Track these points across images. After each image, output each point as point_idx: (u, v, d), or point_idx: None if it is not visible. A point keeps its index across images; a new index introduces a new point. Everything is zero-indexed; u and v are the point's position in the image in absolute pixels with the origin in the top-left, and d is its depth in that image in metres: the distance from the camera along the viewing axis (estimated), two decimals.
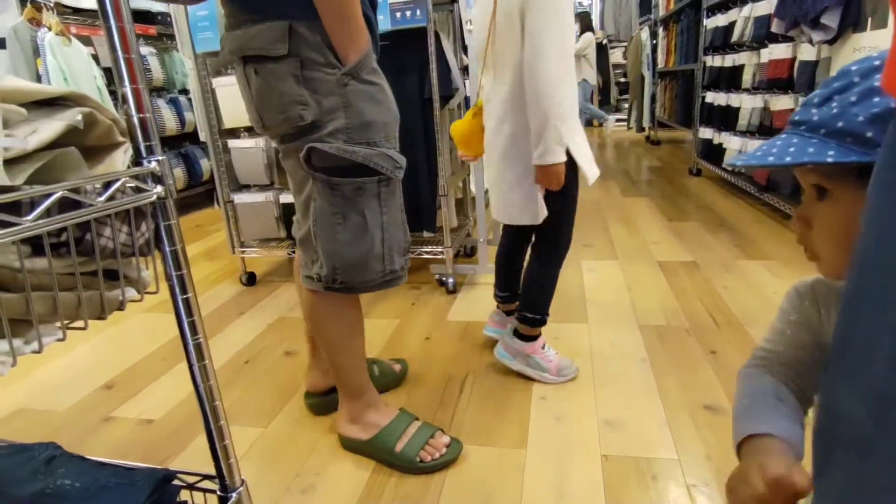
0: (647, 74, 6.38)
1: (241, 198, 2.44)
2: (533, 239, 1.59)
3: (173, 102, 3.99)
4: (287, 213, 2.41)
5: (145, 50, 3.82)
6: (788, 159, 0.47)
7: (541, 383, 1.57)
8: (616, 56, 8.25)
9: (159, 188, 0.58)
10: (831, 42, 2.26)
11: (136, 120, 0.57)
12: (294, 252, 2.54)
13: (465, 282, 2.41)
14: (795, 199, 2.70)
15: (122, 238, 0.56)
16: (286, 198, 2.39)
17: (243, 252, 2.52)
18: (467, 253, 2.77)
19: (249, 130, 2.43)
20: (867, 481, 0.36)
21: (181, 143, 4.18)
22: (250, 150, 2.37)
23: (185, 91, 4.08)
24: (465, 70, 2.53)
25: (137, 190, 0.58)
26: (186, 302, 0.63)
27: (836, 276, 0.54)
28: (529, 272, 1.60)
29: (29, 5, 3.04)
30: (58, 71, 2.98)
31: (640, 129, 6.81)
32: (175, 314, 0.63)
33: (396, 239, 1.15)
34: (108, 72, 3.47)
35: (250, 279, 2.54)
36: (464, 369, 1.67)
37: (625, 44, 8.00)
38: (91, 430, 1.51)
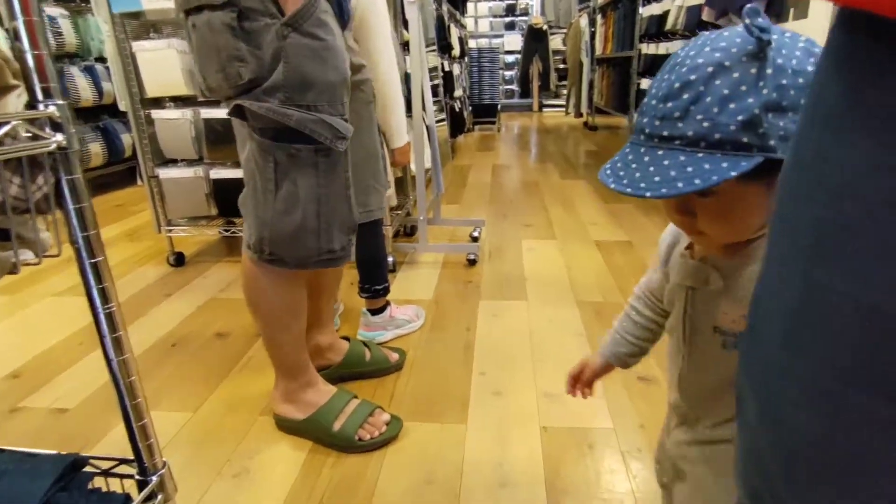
0: (586, 61, 6.51)
1: (166, 173, 2.29)
2: None
3: (89, 71, 3.69)
4: (218, 189, 2.29)
5: (55, 11, 3.49)
6: (698, 181, 0.48)
7: (480, 359, 1.57)
8: (556, 42, 8.36)
9: (59, 136, 0.51)
10: None
11: (29, 58, 0.50)
12: (227, 230, 2.42)
13: (405, 260, 2.38)
14: None
15: (13, 191, 0.49)
16: (217, 173, 2.26)
17: (170, 231, 2.37)
18: (407, 232, 2.74)
19: (175, 100, 2.28)
20: (779, 405, 0.38)
21: (99, 115, 3.87)
22: (176, 122, 2.22)
23: (102, 59, 3.78)
24: (405, 46, 2.47)
25: (34, 138, 0.51)
26: (95, 267, 0.56)
27: (720, 248, 0.60)
28: (362, 250, 1.60)
29: None
30: None
31: (579, 114, 6.97)
32: (83, 282, 0.57)
33: (338, 215, 1.08)
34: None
35: (178, 260, 2.40)
36: (403, 347, 1.65)
37: (564, 30, 8.13)
38: None
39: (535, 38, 7.89)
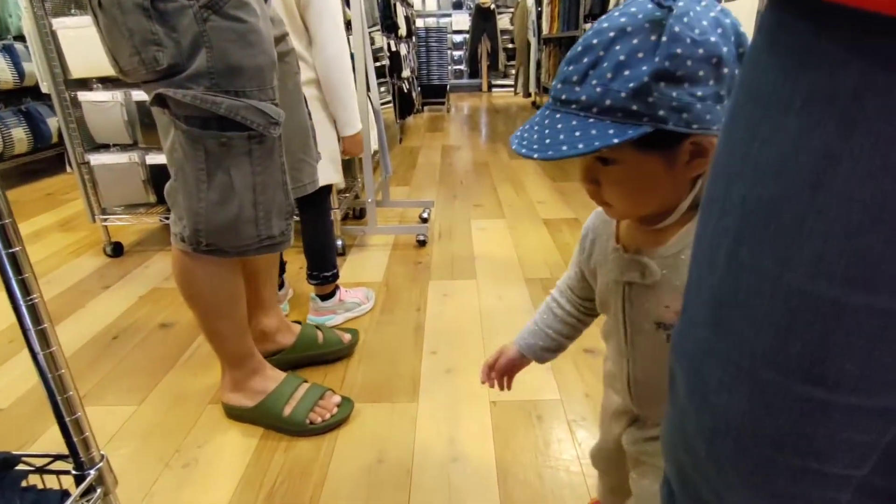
0: (533, 41, 6.55)
1: (98, 159, 2.17)
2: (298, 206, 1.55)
3: (7, 50, 3.43)
4: (157, 175, 2.19)
5: None
6: (581, 146, 0.48)
7: (431, 339, 1.59)
8: (504, 22, 8.36)
9: None
10: None
11: None
12: (168, 218, 2.33)
13: (354, 244, 2.36)
14: None
15: None
16: (154, 158, 2.17)
17: (105, 220, 2.26)
18: (357, 215, 2.71)
19: (104, 81, 2.16)
20: (705, 384, 0.39)
21: (21, 98, 3.63)
22: (106, 105, 2.10)
23: (22, 38, 3.52)
24: (346, 25, 2.41)
25: None
26: (13, 258, 0.54)
27: (625, 217, 0.61)
28: (310, 237, 1.62)
29: None
30: None
31: (527, 94, 7.02)
32: (1, 274, 0.54)
33: (276, 202, 1.05)
34: None
35: (116, 250, 2.30)
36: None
37: (511, 10, 8.13)
38: None
39: (483, 18, 7.87)
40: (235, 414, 1.25)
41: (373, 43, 3.21)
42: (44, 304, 0.58)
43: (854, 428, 0.33)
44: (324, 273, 1.64)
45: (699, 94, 0.48)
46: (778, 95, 0.32)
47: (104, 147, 2.21)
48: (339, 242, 2.22)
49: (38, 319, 0.57)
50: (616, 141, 0.48)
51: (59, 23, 1.99)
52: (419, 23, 7.23)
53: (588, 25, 4.27)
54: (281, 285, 1.74)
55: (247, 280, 1.24)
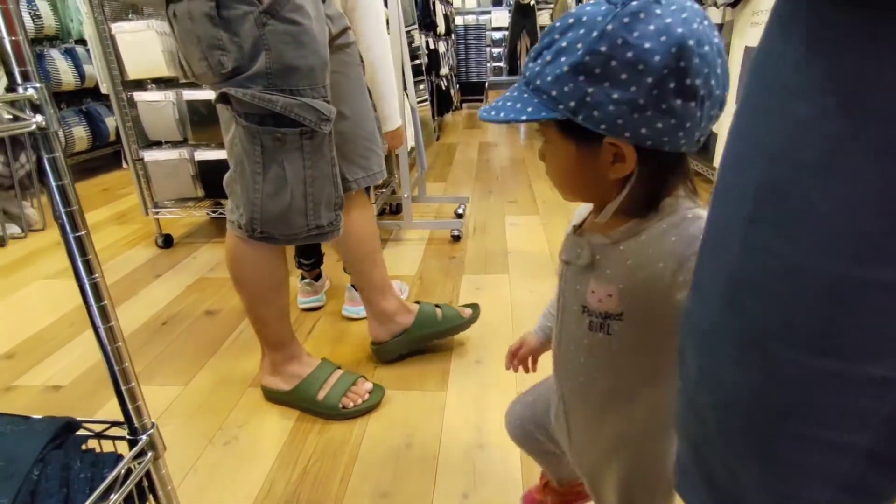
0: None
1: (151, 155, 2.30)
2: None
3: (69, 53, 3.65)
4: (204, 170, 2.31)
5: None
6: (508, 115, 0.53)
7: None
8: (543, 18, 8.29)
9: (39, 117, 0.55)
10: (733, 5, 2.39)
11: (7, 44, 0.53)
12: (215, 212, 2.44)
13: (390, 238, 2.42)
14: (702, 156, 2.88)
15: None
16: (202, 154, 2.28)
17: (157, 213, 2.39)
18: (393, 210, 2.77)
19: (157, 82, 2.28)
20: (718, 360, 0.41)
21: (81, 99, 3.85)
22: (159, 104, 2.23)
23: (83, 42, 3.74)
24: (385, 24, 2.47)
25: (15, 120, 0.54)
26: (79, 241, 0.60)
27: (567, 199, 0.62)
28: None
29: None
30: None
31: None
32: (68, 254, 0.61)
33: (325, 194, 1.12)
34: None
35: (167, 241, 2.43)
36: None
37: (551, 6, 8.05)
38: None
39: (523, 15, 7.82)
40: (273, 396, 1.32)
41: (412, 41, 3.26)
42: (104, 283, 0.64)
43: (856, 397, 0.35)
44: None
45: (615, 96, 0.47)
46: (790, 83, 0.33)
47: (157, 144, 2.34)
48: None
49: (99, 297, 0.64)
50: (524, 118, 0.51)
51: (117, 27, 2.12)
52: (458, 20, 7.26)
53: None
54: (318, 276, 1.81)
55: (353, 268, 1.34)
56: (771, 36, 0.36)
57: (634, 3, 0.47)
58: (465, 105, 6.88)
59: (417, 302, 1.53)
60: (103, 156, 4.06)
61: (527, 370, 0.84)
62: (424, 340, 1.49)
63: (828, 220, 0.32)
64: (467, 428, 1.22)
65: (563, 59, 0.49)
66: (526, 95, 0.52)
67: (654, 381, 0.62)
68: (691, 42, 0.46)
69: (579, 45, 0.48)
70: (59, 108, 3.67)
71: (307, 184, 1.08)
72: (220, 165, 2.25)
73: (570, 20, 0.50)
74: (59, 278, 2.15)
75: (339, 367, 1.34)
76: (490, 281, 1.96)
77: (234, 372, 1.48)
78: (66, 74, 3.61)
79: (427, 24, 4.25)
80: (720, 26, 2.62)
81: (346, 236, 1.24)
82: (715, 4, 2.50)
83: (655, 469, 0.66)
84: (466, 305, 1.57)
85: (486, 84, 6.92)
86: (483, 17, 8.68)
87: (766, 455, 0.39)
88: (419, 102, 4.52)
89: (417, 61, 3.95)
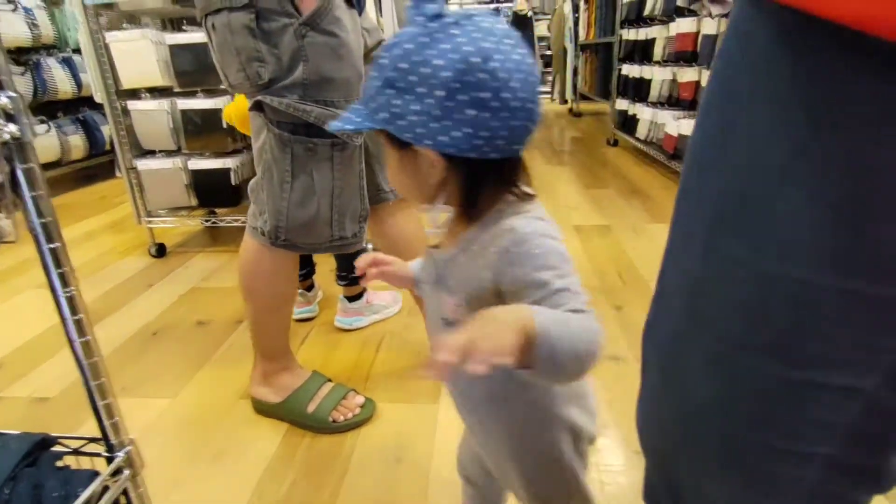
0: (570, 47, 6.51)
1: (145, 164, 2.29)
2: None
3: (67, 62, 3.65)
4: (198, 179, 2.29)
5: (31, 2, 3.45)
6: (345, 125, 0.57)
7: None
8: (541, 29, 8.34)
9: (12, 127, 0.53)
10: (727, 16, 2.39)
11: None
12: (208, 221, 2.43)
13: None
14: None
15: None
16: (196, 163, 2.27)
17: (150, 222, 2.38)
18: None
19: (151, 91, 2.27)
20: (681, 369, 0.40)
21: (78, 107, 3.84)
22: (153, 113, 2.22)
23: (80, 51, 3.74)
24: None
25: None
26: (54, 253, 0.59)
27: (411, 201, 0.64)
28: None
29: None
30: None
31: (563, 101, 6.97)
32: (43, 267, 0.59)
33: (351, 206, 1.12)
34: None
35: (160, 251, 2.41)
36: (380, 332, 1.68)
37: (549, 17, 8.10)
38: None
39: (520, 25, 7.85)
40: (263, 409, 1.30)
41: None
42: (80, 296, 0.63)
43: (819, 406, 0.34)
44: (352, 274, 1.68)
45: (415, 107, 0.52)
46: (752, 93, 0.33)
47: (150, 153, 2.33)
48: (369, 246, 2.26)
49: (75, 309, 0.62)
50: (350, 127, 0.57)
51: (111, 36, 2.11)
52: None
53: (624, 31, 4.23)
54: (310, 287, 1.80)
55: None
56: (731, 47, 0.36)
57: (435, 24, 0.52)
58: None
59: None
60: (99, 164, 4.05)
61: (367, 280, 0.73)
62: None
63: (789, 226, 0.32)
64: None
65: (377, 74, 0.54)
66: (362, 108, 0.57)
67: (520, 379, 0.59)
68: (476, 59, 0.50)
69: (388, 62, 0.53)
70: (56, 117, 3.67)
71: (335, 195, 1.08)
72: (214, 175, 2.26)
73: (394, 40, 0.54)
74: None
75: (329, 380, 1.32)
76: None
77: (223, 384, 1.46)
78: (62, 83, 3.61)
79: None
80: (716, 38, 2.63)
81: (394, 242, 1.24)
82: (710, 15, 2.51)
83: (552, 463, 0.67)
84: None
85: None
86: None
87: (730, 465, 0.38)
88: None
89: None
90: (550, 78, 7.94)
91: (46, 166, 3.61)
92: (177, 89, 2.20)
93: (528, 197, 0.59)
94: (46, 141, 3.51)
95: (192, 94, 2.21)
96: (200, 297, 2.00)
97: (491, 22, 0.53)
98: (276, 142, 1.03)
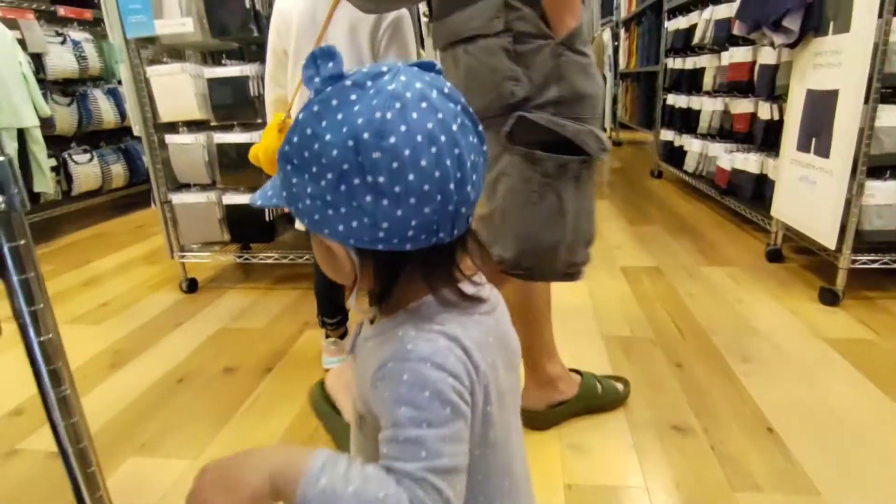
0: (609, 76, 6.39)
1: (180, 198, 2.25)
2: None
3: (112, 93, 3.72)
4: (231, 214, 2.24)
5: (80, 35, 3.54)
6: (256, 200, 0.50)
7: None
8: None
9: None
10: (792, 46, 2.24)
11: None
12: (241, 257, 2.37)
13: None
14: (756, 204, 2.69)
15: None
16: (230, 198, 2.21)
17: (183, 257, 2.33)
18: None
19: (189, 125, 2.24)
20: None
21: (121, 137, 3.90)
22: (189, 147, 2.18)
23: None
24: None
25: None
26: (44, 347, 0.49)
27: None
28: None
29: None
30: None
31: (602, 129, 6.83)
32: (30, 362, 0.49)
33: (585, 229, 1.09)
34: (36, 58, 3.19)
35: (191, 286, 2.35)
36: None
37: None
38: None
39: None
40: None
41: None
42: (76, 395, 0.52)
43: None
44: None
45: (309, 189, 0.45)
46: None
47: (185, 187, 2.29)
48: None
49: (69, 413, 0.51)
50: (259, 202, 0.50)
51: (152, 70, 2.10)
52: None
53: (670, 60, 4.09)
54: (344, 335, 1.69)
55: (523, 321, 1.22)
56: None
57: (332, 89, 0.44)
58: None
59: (577, 371, 1.43)
60: (139, 192, 4.08)
61: None
62: (579, 414, 1.37)
63: None
64: None
65: (283, 143, 0.47)
66: (277, 180, 0.50)
67: None
68: (366, 134, 0.42)
69: (289, 132, 0.46)
70: (99, 146, 3.72)
71: (577, 216, 1.06)
72: (248, 210, 2.20)
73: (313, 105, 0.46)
74: (81, 324, 2.09)
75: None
76: None
77: (248, 443, 1.34)
78: (107, 113, 3.67)
79: None
80: (775, 68, 2.47)
81: (524, 286, 1.17)
82: (772, 45, 2.36)
83: None
84: (613, 377, 1.47)
85: None
86: None
87: None
88: None
89: None
90: None
91: (88, 194, 3.66)
92: (213, 123, 2.16)
93: (461, 300, 0.49)
94: (89, 169, 3.56)
95: (228, 128, 2.17)
96: (229, 338, 1.91)
97: (406, 79, 0.44)
98: (524, 162, 1.01)
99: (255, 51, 2.25)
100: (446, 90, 0.45)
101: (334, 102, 0.43)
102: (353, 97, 0.43)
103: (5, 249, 0.46)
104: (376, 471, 0.42)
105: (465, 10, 0.99)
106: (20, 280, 0.47)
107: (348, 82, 0.44)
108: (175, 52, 2.34)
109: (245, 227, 2.25)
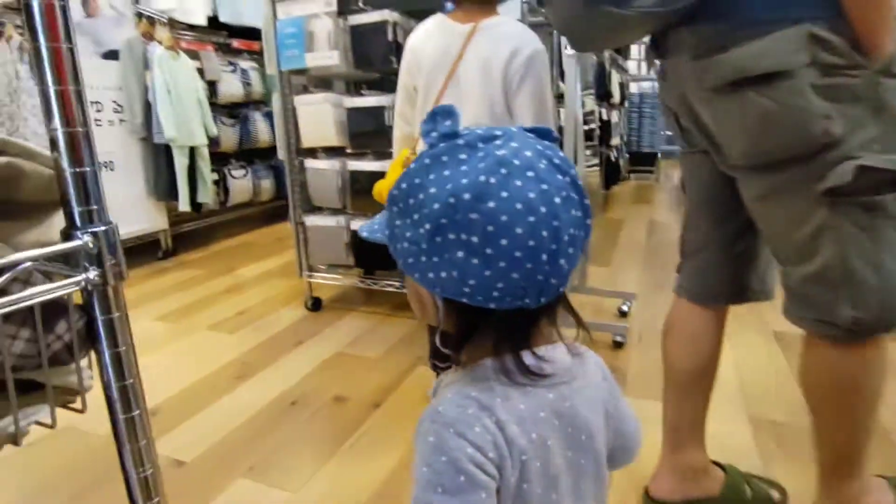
0: None
1: (312, 220, 2.35)
2: None
3: (268, 116, 4.08)
4: (357, 240, 2.29)
5: (247, 64, 3.93)
6: (363, 232, 0.54)
7: (616, 487, 1.29)
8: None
9: (92, 273, 0.41)
10: None
11: (68, 176, 0.40)
12: (363, 282, 2.41)
13: None
14: None
15: (19, 347, 0.39)
16: (357, 224, 2.27)
17: (310, 276, 2.43)
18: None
19: (327, 151, 2.34)
20: None
21: (271, 156, 4.26)
22: (325, 172, 2.27)
23: None
24: (559, 98, 2.30)
25: (62, 275, 0.41)
26: (132, 423, 0.45)
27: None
28: None
29: (143, 20, 3.19)
30: (163, 84, 3.09)
31: None
32: (115, 439, 0.46)
33: None
34: (210, 84, 3.59)
35: (315, 304, 2.44)
36: None
37: None
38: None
39: None
40: None
41: (583, 106, 3.07)
42: (159, 475, 0.48)
43: None
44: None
45: (408, 234, 0.47)
46: None
47: (318, 209, 2.39)
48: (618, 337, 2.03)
49: (149, 494, 0.48)
50: (365, 234, 0.53)
51: (299, 100, 2.23)
52: (633, 87, 6.93)
53: None
54: None
55: (690, 393, 1.14)
56: None
57: (445, 145, 0.46)
58: (633, 175, 6.45)
59: (718, 464, 1.22)
60: (283, 206, 4.42)
61: None
62: None
63: None
64: None
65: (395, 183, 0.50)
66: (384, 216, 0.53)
67: None
68: (467, 195, 0.44)
69: (400, 177, 0.48)
70: (252, 163, 4.08)
71: None
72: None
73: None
74: (218, 331, 2.25)
75: None
76: (657, 412, 1.58)
77: (350, 482, 1.31)
78: (262, 134, 4.03)
79: (601, 94, 4.03)
80: None
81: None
82: None
83: None
84: (765, 480, 1.23)
85: (659, 154, 6.43)
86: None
87: None
88: (588, 167, 4.30)
89: (588, 127, 3.73)
90: None
91: (240, 206, 4.03)
92: (349, 150, 2.23)
93: (518, 370, 0.49)
94: (244, 183, 3.93)
95: (362, 156, 2.23)
96: (344, 365, 1.93)
97: (517, 146, 0.45)
98: (858, 211, 0.86)
99: (394, 81, 2.30)
100: (556, 160, 0.46)
101: (444, 158, 0.46)
102: (463, 156, 0.45)
103: (100, 322, 0.44)
104: None
105: (749, 44, 0.84)
106: (111, 353, 0.44)
107: (461, 141, 0.46)
108: (323, 82, 2.47)
109: (369, 254, 2.28)
